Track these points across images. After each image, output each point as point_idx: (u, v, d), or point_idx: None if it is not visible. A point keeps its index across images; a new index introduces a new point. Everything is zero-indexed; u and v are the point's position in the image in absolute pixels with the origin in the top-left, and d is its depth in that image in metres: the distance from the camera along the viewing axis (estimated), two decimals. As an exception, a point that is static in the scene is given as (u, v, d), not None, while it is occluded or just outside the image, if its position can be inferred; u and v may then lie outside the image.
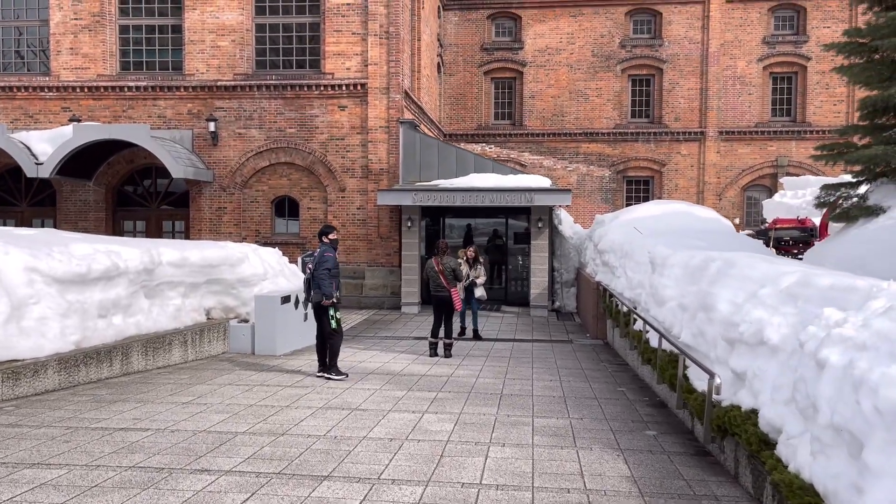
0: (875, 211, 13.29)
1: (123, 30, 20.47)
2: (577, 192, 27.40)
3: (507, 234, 20.55)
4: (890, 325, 4.13)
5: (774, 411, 5.05)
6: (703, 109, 27.84)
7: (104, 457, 6.08)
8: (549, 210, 18.92)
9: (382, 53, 19.35)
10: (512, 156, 28.30)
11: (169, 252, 11.48)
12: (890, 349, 3.97)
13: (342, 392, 8.86)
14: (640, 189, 28.73)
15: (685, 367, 7.26)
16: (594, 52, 28.18)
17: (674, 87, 28.00)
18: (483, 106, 28.91)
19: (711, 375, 5.83)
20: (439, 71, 27.76)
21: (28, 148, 18.41)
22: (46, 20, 20.48)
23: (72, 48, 20.30)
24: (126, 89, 20.13)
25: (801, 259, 17.61)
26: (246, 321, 12.55)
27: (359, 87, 19.45)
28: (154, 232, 20.97)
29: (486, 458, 6.17)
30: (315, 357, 11.48)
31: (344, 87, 19.52)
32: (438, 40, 27.14)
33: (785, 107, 28.11)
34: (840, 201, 14.40)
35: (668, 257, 9.80)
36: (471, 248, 14.90)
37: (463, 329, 14.88)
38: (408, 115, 20.15)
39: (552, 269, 19.53)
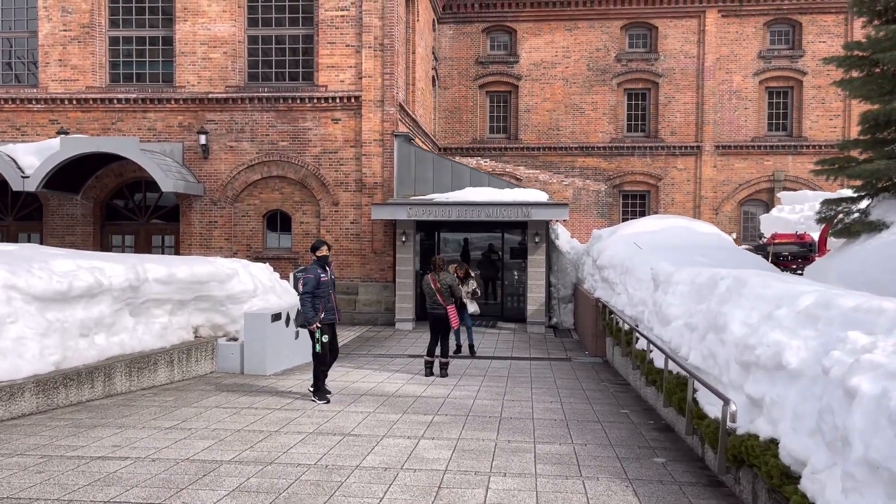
0: (878, 226, 13.03)
1: (113, 41, 20.17)
2: (572, 207, 27.11)
3: (503, 249, 20.24)
4: (929, 352, 3.80)
5: (797, 442, 4.70)
6: (700, 124, 27.68)
7: (78, 490, 5.68)
8: (546, 224, 18.62)
9: (377, 66, 19.09)
10: (507, 170, 28.05)
11: (155, 268, 11.09)
12: (931, 379, 3.64)
13: (334, 416, 8.47)
14: (636, 203, 28.49)
15: (694, 391, 6.92)
16: (590, 66, 28.02)
17: (670, 102, 27.84)
18: (478, 119, 28.67)
19: (726, 402, 5.49)
20: (434, 84, 27.54)
21: (14, 161, 18.02)
22: (35, 31, 20.16)
23: (61, 60, 19.97)
24: (115, 101, 19.79)
25: (801, 274, 17.37)
26: (235, 339, 12.15)
27: (353, 100, 19.17)
28: (143, 246, 20.57)
29: (486, 490, 5.79)
30: (306, 376, 11.12)
31: (338, 100, 19.24)
32: (433, 53, 26.94)
33: (781, 121, 27.97)
34: (841, 216, 14.16)
35: (672, 274, 9.48)
36: (461, 269, 14.37)
37: (459, 347, 14.51)
38: (402, 129, 19.88)
39: (549, 285, 19.20)
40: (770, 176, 27.63)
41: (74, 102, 19.93)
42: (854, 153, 14.55)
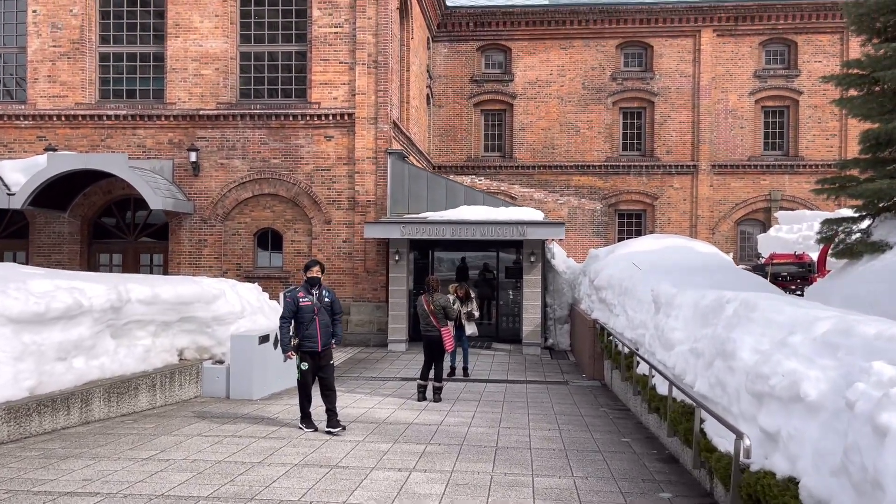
0: (881, 247, 12.75)
1: (104, 57, 19.90)
2: (568, 226, 26.82)
3: (497, 268, 19.90)
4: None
5: (820, 482, 4.34)
6: (696, 143, 27.51)
7: (41, 530, 5.27)
8: (542, 244, 18.30)
9: (370, 83, 18.84)
10: (502, 188, 27.79)
11: (138, 288, 10.70)
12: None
13: (321, 445, 8.05)
14: (632, 223, 28.24)
15: (702, 421, 6.54)
16: (585, 85, 27.88)
17: (665, 120, 27.69)
18: (473, 138, 28.46)
19: (740, 436, 5.12)
20: (428, 102, 27.34)
21: (0, 177, 17.64)
22: (24, 47, 19.88)
23: (50, 76, 19.67)
24: (105, 118, 19.47)
25: (800, 295, 17.06)
26: (221, 362, 11.73)
27: (346, 117, 18.89)
28: (131, 265, 20.16)
29: (482, 530, 5.40)
30: (294, 402, 10.70)
31: (331, 117, 18.96)
32: (428, 72, 26.76)
33: (777, 141, 27.84)
34: (842, 237, 13.87)
35: (674, 296, 9.15)
36: (461, 289, 14.12)
37: (453, 369, 14.12)
38: (396, 146, 19.60)
39: (545, 305, 18.84)
40: (767, 195, 27.44)
41: (63, 119, 19.60)
42: (854, 173, 14.30)
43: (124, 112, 19.38)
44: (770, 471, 4.93)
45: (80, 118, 19.53)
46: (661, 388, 8.38)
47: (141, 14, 19.82)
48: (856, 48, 25.67)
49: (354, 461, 7.35)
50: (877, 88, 13.37)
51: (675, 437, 7.61)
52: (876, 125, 13.07)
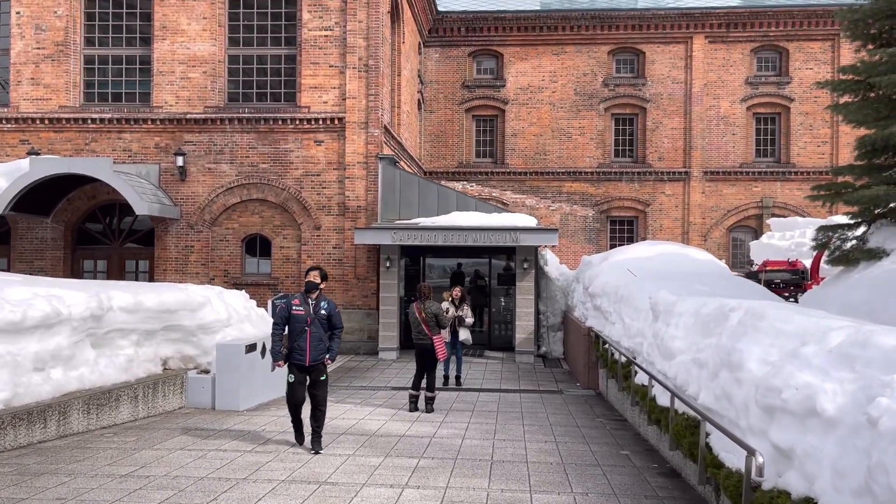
0: (877, 254, 12.59)
1: (88, 60, 19.53)
2: (560, 232, 26.51)
3: (490, 275, 19.64)
4: None
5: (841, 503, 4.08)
6: (688, 149, 27.40)
7: (8, 555, 4.93)
8: (535, 250, 18.05)
9: (361, 87, 18.57)
10: (494, 194, 27.56)
11: (120, 296, 10.35)
12: None
13: (310, 460, 7.73)
14: (624, 229, 28.08)
15: (707, 435, 6.28)
16: (577, 91, 27.73)
17: (657, 127, 27.57)
18: (464, 144, 28.23)
19: (751, 452, 4.85)
20: (420, 108, 27.10)
21: (-20, 182, 17.23)
22: (7, 49, 19.48)
23: (33, 78, 19.28)
24: (89, 121, 19.09)
25: (794, 302, 16.89)
26: (207, 372, 11.38)
27: (336, 122, 18.60)
28: (116, 272, 19.75)
29: (479, 553, 5.11)
30: (282, 412, 10.38)
31: (320, 122, 18.66)
32: (419, 77, 26.53)
33: (769, 147, 27.77)
34: (837, 243, 13.70)
35: (673, 304, 8.90)
36: (457, 289, 13.97)
37: (446, 378, 13.82)
38: (387, 151, 19.31)
39: (538, 312, 18.57)
40: (759, 202, 27.34)
41: (47, 122, 19.20)
42: (848, 179, 14.15)
43: (109, 115, 19.01)
44: (784, 490, 4.67)
45: (64, 122, 19.14)
46: (662, 399, 8.12)
47: (127, 16, 19.47)
48: (847, 55, 25.68)
49: (344, 477, 7.03)
50: (872, 94, 13.24)
51: (677, 450, 7.35)
52: (872, 131, 12.94)
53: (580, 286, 16.65)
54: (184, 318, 11.32)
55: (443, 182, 25.48)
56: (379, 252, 18.09)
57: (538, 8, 28.02)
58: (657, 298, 9.67)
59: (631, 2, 28.30)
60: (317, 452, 8.01)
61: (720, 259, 25.89)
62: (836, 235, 13.78)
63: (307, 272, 8.39)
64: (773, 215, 26.82)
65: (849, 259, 13.16)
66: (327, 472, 7.20)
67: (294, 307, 8.13)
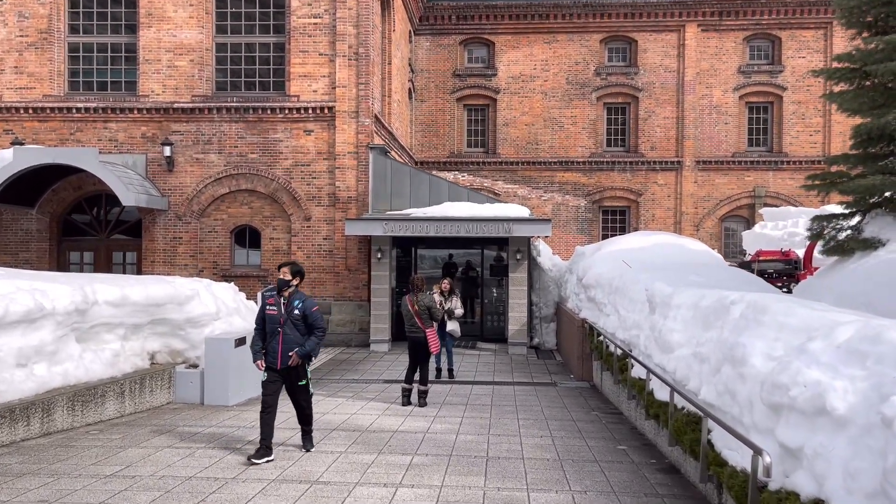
0: (873, 244, 12.48)
1: (73, 48, 19.12)
2: (552, 223, 26.46)
3: (482, 266, 19.46)
4: None
5: (854, 507, 3.93)
6: (680, 139, 27.26)
7: (-14, 563, 4.73)
8: (528, 241, 17.88)
9: (351, 75, 18.28)
10: (485, 184, 27.35)
11: (106, 289, 10.10)
12: None
13: (301, 457, 7.54)
14: (616, 219, 27.95)
15: (709, 431, 6.14)
16: (569, 80, 27.51)
17: (650, 116, 27.41)
18: (455, 133, 27.98)
19: (758, 452, 4.70)
20: (410, 97, 26.81)
21: (-37, 173, 16.87)
22: (-11, 37, 19.06)
23: (16, 67, 18.86)
24: (74, 111, 18.72)
25: (788, 292, 16.81)
26: (195, 366, 11.16)
27: (326, 111, 18.32)
28: (103, 264, 19.44)
29: (477, 556, 4.94)
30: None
31: (310, 111, 18.37)
32: (410, 65, 26.22)
33: (761, 137, 27.67)
34: (832, 233, 13.59)
35: (671, 296, 8.75)
36: (445, 281, 13.82)
37: (438, 371, 13.67)
38: (378, 141, 19.06)
39: (530, 304, 18.43)
40: (751, 192, 27.27)
41: (31, 111, 18.81)
42: (842, 168, 14.03)
43: (95, 105, 18.65)
44: (793, 491, 4.52)
45: (48, 111, 18.75)
46: (660, 393, 7.98)
47: (112, 3, 19.07)
48: (840, 44, 25.55)
49: (336, 476, 6.85)
50: (867, 83, 13.10)
51: (677, 446, 7.21)
52: (867, 120, 12.81)
53: (573, 277, 16.51)
54: (171, 312, 11.08)
55: (434, 172, 25.24)
56: (370, 243, 17.87)
57: (530, -5, 27.75)
58: (653, 290, 9.52)
59: (623, -10, 28.03)
60: (308, 450, 7.79)
61: (713, 249, 25.87)
62: (831, 225, 13.67)
63: (278, 268, 7.80)
64: (766, 205, 26.76)
65: (844, 249, 13.05)
66: (319, 471, 7.02)
67: (268, 307, 7.60)
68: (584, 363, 13.79)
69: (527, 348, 17.65)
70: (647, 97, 27.40)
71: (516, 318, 17.64)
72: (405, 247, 19.10)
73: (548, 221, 18.02)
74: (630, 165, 27.37)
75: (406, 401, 10.85)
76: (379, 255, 17.53)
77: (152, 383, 10.50)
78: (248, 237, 18.97)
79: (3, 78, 18.87)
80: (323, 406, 10.57)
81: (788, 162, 26.95)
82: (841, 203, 14.14)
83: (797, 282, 18.58)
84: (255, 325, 7.78)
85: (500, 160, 27.58)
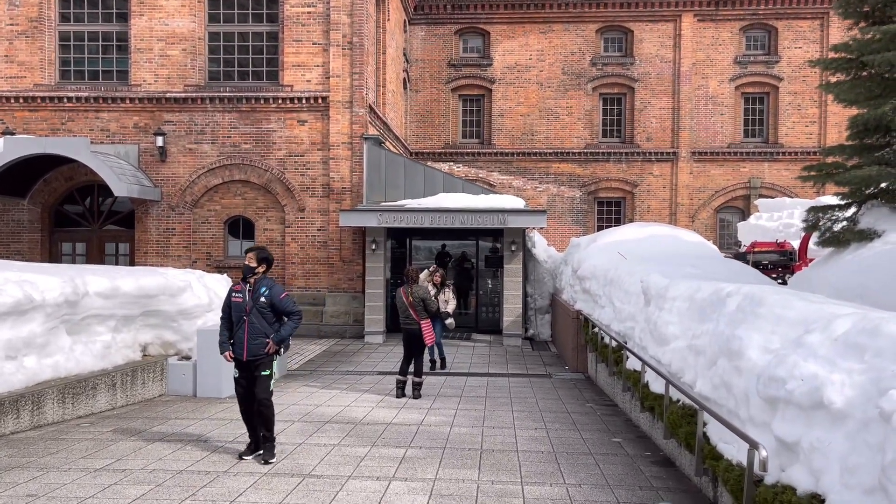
0: (869, 235, 12.44)
1: (64, 37, 18.91)
2: (547, 214, 26.39)
3: (477, 257, 19.40)
4: None
5: (851, 502, 3.89)
6: (676, 129, 27.18)
7: (-28, 559, 4.66)
8: (523, 232, 17.81)
9: (345, 65, 18.13)
10: (480, 175, 27.24)
11: (97, 281, 10.00)
12: None
13: (293, 450, 7.48)
14: (611, 210, 27.89)
15: (704, 424, 6.10)
16: (564, 70, 27.38)
17: (645, 107, 27.31)
18: (450, 124, 27.84)
19: (754, 446, 4.65)
20: (405, 87, 26.64)
21: (-48, 163, 16.70)
22: (-21, 25, 18.83)
23: (6, 56, 18.66)
24: (66, 100, 18.53)
25: (782, 283, 16.80)
26: (188, 358, 11.08)
27: (320, 101, 18.18)
28: (96, 255, 19.32)
29: (470, 551, 4.89)
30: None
31: (304, 101, 18.23)
32: (404, 55, 26.05)
33: (757, 128, 27.61)
34: (828, 224, 13.55)
35: (666, 288, 8.69)
36: (437, 273, 13.77)
37: (433, 362, 13.63)
38: (372, 131, 18.94)
39: (525, 295, 18.38)
40: (746, 183, 27.23)
41: (21, 101, 18.62)
42: (838, 159, 13.97)
43: (86, 94, 18.47)
44: (789, 485, 4.48)
45: (39, 100, 18.57)
46: (655, 385, 7.93)
47: (103, -9, 18.87)
48: (836, 34, 25.48)
49: (329, 469, 6.79)
50: (864, 73, 13.03)
51: (672, 439, 7.16)
52: (864, 110, 12.74)
53: (568, 268, 16.45)
54: (163, 303, 10.99)
55: (429, 163, 25.14)
56: (364, 234, 17.78)
57: (525, -15, 27.55)
58: (649, 282, 9.47)
59: (619, -21, 27.86)
60: (266, 462, 6.97)
61: (707, 240, 25.83)
62: (827, 216, 13.62)
63: (245, 253, 7.39)
64: (761, 196, 26.71)
65: (839, 240, 13.01)
66: (311, 464, 6.96)
67: (234, 294, 7.20)
68: (579, 355, 13.76)
69: (522, 340, 17.61)
70: (642, 87, 27.30)
71: (511, 309, 17.59)
72: (400, 238, 19.02)
73: (543, 213, 17.96)
74: (626, 156, 27.29)
75: (400, 393, 10.80)
76: (373, 247, 17.45)
77: (144, 375, 10.42)
78: (241, 228, 18.86)
79: (-7, 67, 18.67)
80: (316, 398, 10.51)
81: (784, 153, 26.91)
82: (837, 194, 14.09)
83: (792, 273, 18.56)
84: (220, 315, 7.41)
85: (495, 151, 27.47)
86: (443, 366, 13.74)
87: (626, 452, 7.70)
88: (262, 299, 7.06)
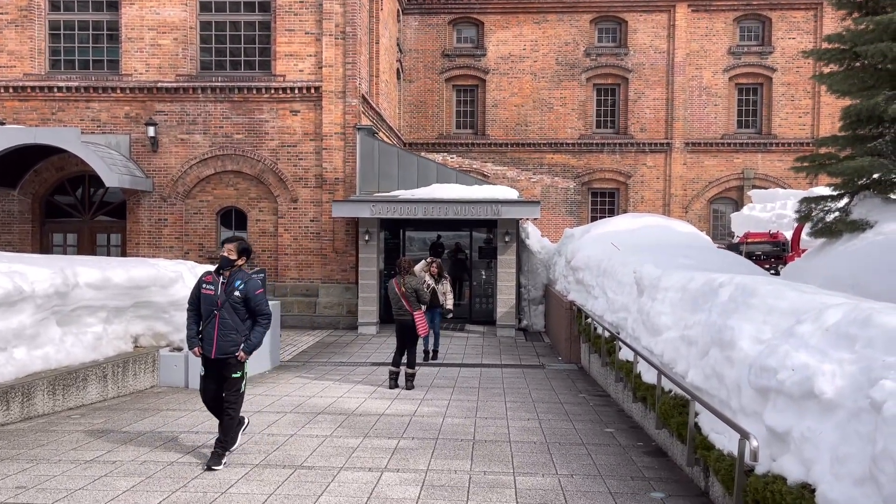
0: (860, 226, 12.47)
1: (54, 25, 18.72)
2: (541, 205, 26.35)
3: (471, 248, 19.37)
4: None
5: (841, 492, 3.89)
6: (669, 120, 27.16)
7: (-40, 552, 4.63)
8: (517, 223, 17.79)
9: (338, 55, 18.02)
10: (474, 166, 27.18)
11: (87, 272, 9.93)
12: None
13: (285, 441, 7.47)
14: (605, 201, 27.89)
15: (696, 415, 6.10)
16: (558, 61, 27.30)
17: (639, 98, 27.27)
18: (444, 114, 27.75)
19: (745, 436, 4.65)
20: (399, 77, 26.52)
21: (-59, 153, 16.55)
22: (-33, 14, 18.63)
23: (-5, 45, 18.47)
24: (56, 90, 18.37)
25: (775, 274, 16.84)
26: (180, 349, 11.04)
27: (312, 91, 18.07)
28: (87, 246, 19.20)
29: (461, 541, 4.89)
30: (258, 391, 10.11)
31: (296, 91, 18.11)
32: (398, 45, 25.92)
33: (751, 118, 27.61)
34: (820, 215, 13.57)
35: (659, 278, 8.68)
36: (434, 264, 13.80)
37: (426, 353, 13.63)
38: (365, 122, 18.85)
39: (519, 286, 18.37)
40: (740, 174, 27.26)
41: (11, 91, 18.44)
42: (831, 150, 13.98)
43: (76, 84, 18.31)
44: (780, 475, 4.48)
45: (28, 90, 18.40)
46: (648, 376, 7.94)
47: (93, -21, 18.68)
48: (830, 25, 25.45)
49: (321, 460, 6.78)
50: (857, 64, 13.03)
51: (664, 429, 7.17)
52: (857, 101, 12.74)
53: (562, 259, 16.45)
54: (155, 295, 10.93)
55: (423, 153, 25.07)
56: (358, 225, 17.72)
57: (519, -25, 27.41)
58: (642, 272, 9.46)
59: (614, -31, 27.75)
60: (209, 468, 6.40)
61: (701, 231, 25.87)
62: (819, 207, 13.65)
63: (222, 244, 6.85)
64: (755, 187, 26.77)
65: (831, 231, 13.05)
66: (303, 455, 6.94)
67: (204, 285, 6.65)
68: (573, 345, 13.77)
69: (515, 330, 17.62)
70: (636, 78, 27.25)
71: (505, 300, 17.59)
72: (393, 229, 18.98)
73: (536, 204, 17.94)
74: (619, 147, 27.26)
75: (393, 384, 10.79)
76: (367, 238, 17.40)
77: (136, 367, 10.37)
78: (234, 219, 18.78)
79: (-18, 56, 18.48)
80: (309, 389, 10.50)
81: (777, 144, 26.93)
82: (829, 185, 14.13)
83: (785, 264, 18.61)
84: (188, 311, 6.82)
85: (489, 142, 27.41)
86: (434, 357, 13.75)
87: (619, 443, 7.71)
88: (237, 293, 6.55)
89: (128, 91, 18.32)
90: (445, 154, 27.28)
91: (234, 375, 6.62)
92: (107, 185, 16.87)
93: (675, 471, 6.66)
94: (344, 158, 18.10)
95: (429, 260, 14.18)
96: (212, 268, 12.15)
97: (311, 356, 14.05)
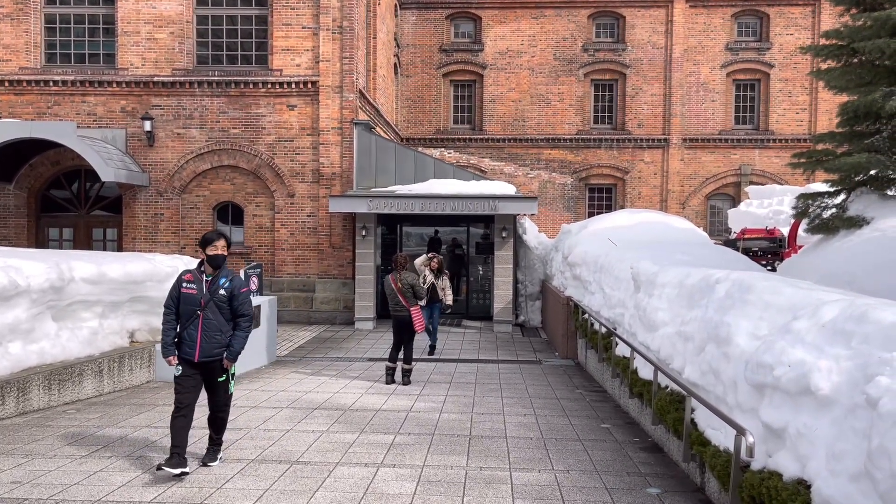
0: (857, 222, 12.48)
1: (49, 19, 18.65)
2: (538, 200, 26.33)
3: (468, 244, 19.36)
4: None
5: (837, 488, 3.89)
6: (667, 116, 27.16)
7: (-46, 547, 4.61)
8: (514, 219, 17.77)
9: (335, 49, 17.97)
10: (472, 161, 27.16)
11: (83, 266, 9.89)
12: None
13: (281, 437, 7.45)
14: (602, 197, 27.90)
15: (692, 410, 6.10)
16: (556, 56, 27.26)
17: (637, 93, 27.26)
18: (441, 109, 27.71)
19: (741, 432, 4.65)
20: (396, 72, 26.47)
21: (-64, 147, 16.48)
22: (-38, 7, 18.53)
23: (-9, 38, 18.39)
24: (52, 84, 18.31)
25: (772, 270, 16.85)
26: (176, 344, 10.99)
27: (309, 85, 18.03)
28: (83, 240, 19.15)
29: (457, 537, 4.89)
30: (255, 385, 10.11)
31: (293, 85, 18.07)
32: (395, 40, 25.86)
33: (748, 114, 27.62)
34: (817, 211, 13.58)
35: (656, 274, 8.68)
36: (434, 259, 13.82)
37: (432, 347, 13.76)
38: (362, 117, 18.80)
39: (516, 282, 18.37)
40: (737, 170, 27.28)
41: (6, 84, 18.37)
42: (828, 146, 13.99)
43: (72, 78, 18.24)
44: (776, 471, 4.48)
45: (24, 84, 18.34)
46: (644, 372, 7.94)
47: (89, -28, 18.59)
48: (828, 21, 25.43)
49: (317, 456, 6.77)
50: (855, 60, 13.02)
51: (660, 425, 7.18)
52: (854, 97, 12.74)
53: (559, 255, 16.44)
54: (151, 289, 10.90)
55: (420, 149, 25.02)
56: (354, 220, 17.70)
57: (517, -31, 27.36)
58: (639, 268, 9.46)
59: (612, -36, 27.72)
60: (205, 464, 6.34)
61: (698, 227, 25.87)
62: (816, 203, 13.65)
63: (209, 242, 6.17)
64: (752, 183, 26.78)
65: (828, 227, 13.05)
66: (299, 451, 6.93)
67: (185, 284, 6.15)
68: (569, 341, 13.77)
69: (512, 326, 17.63)
70: (634, 74, 27.23)
71: (502, 295, 17.59)
72: (390, 224, 18.96)
73: (534, 199, 17.94)
74: (617, 143, 27.26)
75: (390, 379, 10.78)
76: (363, 233, 17.38)
77: (132, 362, 10.35)
78: (230, 214, 18.75)
79: (-23, 50, 18.39)
80: (305, 385, 10.49)
81: (774, 140, 26.95)
82: (826, 181, 14.14)
83: (782, 260, 18.64)
84: (165, 310, 6.24)
85: (486, 137, 27.38)
86: (431, 352, 13.75)
87: (615, 438, 7.71)
88: (222, 292, 6.11)
89: (124, 85, 18.26)
90: (443, 149, 27.25)
91: (220, 379, 6.33)
92: (102, 179, 16.82)
93: (671, 467, 6.66)
94: (341, 153, 18.06)
95: (430, 255, 14.19)
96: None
97: (307, 351, 14.04)
